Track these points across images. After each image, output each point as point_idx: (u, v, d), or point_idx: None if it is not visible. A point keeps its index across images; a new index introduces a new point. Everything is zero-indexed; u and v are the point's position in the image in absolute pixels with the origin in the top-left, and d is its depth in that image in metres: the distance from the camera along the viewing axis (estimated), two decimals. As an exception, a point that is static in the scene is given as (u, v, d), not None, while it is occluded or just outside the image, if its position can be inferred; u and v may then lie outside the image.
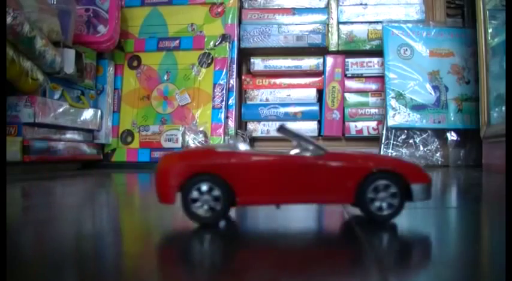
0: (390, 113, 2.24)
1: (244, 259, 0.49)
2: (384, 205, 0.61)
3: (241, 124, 2.47)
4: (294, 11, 2.45)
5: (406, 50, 2.30)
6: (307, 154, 0.61)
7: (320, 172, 0.60)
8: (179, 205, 0.61)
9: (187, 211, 0.60)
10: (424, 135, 2.29)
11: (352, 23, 2.44)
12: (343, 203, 0.63)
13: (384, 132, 2.27)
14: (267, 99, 2.45)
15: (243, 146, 0.61)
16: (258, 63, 2.45)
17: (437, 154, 2.28)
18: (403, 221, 0.63)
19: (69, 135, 2.04)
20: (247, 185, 0.60)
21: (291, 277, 0.41)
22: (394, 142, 2.27)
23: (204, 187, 0.59)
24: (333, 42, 2.44)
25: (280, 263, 0.46)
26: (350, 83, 2.45)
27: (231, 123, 2.30)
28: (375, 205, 0.61)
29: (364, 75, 2.44)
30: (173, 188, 0.60)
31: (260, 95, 2.46)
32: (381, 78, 2.37)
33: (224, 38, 2.34)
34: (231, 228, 0.63)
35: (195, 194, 0.59)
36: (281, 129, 0.61)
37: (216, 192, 0.59)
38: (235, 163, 0.60)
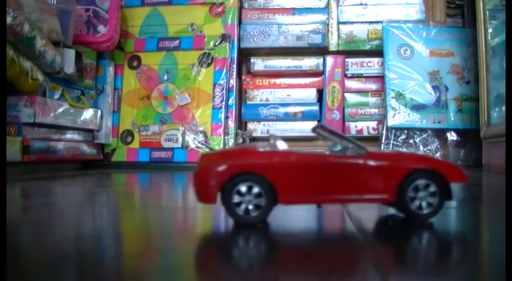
0: (390, 113, 2.24)
1: (247, 259, 0.49)
2: (424, 204, 0.61)
3: (241, 124, 2.47)
4: (294, 11, 2.45)
5: (406, 50, 2.30)
6: (348, 153, 0.61)
7: (361, 172, 0.61)
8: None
9: (230, 210, 0.60)
10: (424, 135, 2.29)
11: (352, 23, 2.44)
12: (384, 202, 0.63)
13: (384, 132, 2.27)
14: (267, 99, 2.45)
15: (282, 145, 0.62)
16: (258, 63, 2.45)
17: (437, 154, 2.28)
18: (403, 221, 0.63)
19: (69, 135, 2.04)
20: (289, 185, 0.60)
21: (291, 277, 0.41)
22: (394, 142, 2.27)
23: (247, 187, 0.60)
24: (333, 42, 2.44)
25: (279, 263, 0.46)
26: (350, 83, 2.44)
27: (231, 123, 2.30)
28: (415, 203, 0.61)
29: (364, 75, 2.44)
30: (215, 187, 0.60)
31: (260, 95, 2.46)
32: (381, 78, 2.37)
33: (224, 38, 2.34)
34: (263, 228, 0.63)
35: (238, 193, 0.60)
36: (319, 128, 0.62)
37: (260, 191, 0.60)
38: (278, 162, 0.60)
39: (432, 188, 0.61)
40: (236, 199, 0.60)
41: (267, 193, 0.60)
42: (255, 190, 0.60)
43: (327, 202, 0.63)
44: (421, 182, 0.61)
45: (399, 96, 2.25)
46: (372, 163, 0.61)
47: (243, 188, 0.60)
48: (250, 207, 0.60)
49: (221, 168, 0.60)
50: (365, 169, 0.61)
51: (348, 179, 0.60)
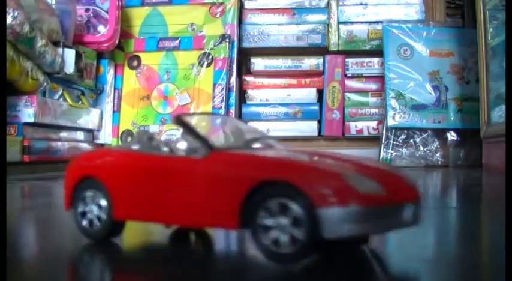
0: (390, 113, 2.24)
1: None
2: (284, 238, 0.40)
3: (241, 124, 2.47)
4: (294, 11, 2.45)
5: (406, 50, 2.30)
6: (185, 154, 0.45)
7: (193, 182, 0.44)
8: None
9: (75, 220, 0.53)
10: (424, 135, 2.29)
11: (352, 23, 2.44)
12: (227, 229, 0.47)
13: (384, 132, 2.27)
14: (267, 99, 2.45)
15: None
16: (258, 63, 2.45)
17: (437, 154, 2.28)
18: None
19: (69, 135, 2.04)
20: (123, 194, 0.48)
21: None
22: (394, 142, 2.27)
23: (89, 193, 0.51)
24: (333, 42, 2.44)
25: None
26: (350, 83, 2.44)
27: (231, 123, 2.30)
28: (271, 235, 0.41)
29: (364, 75, 2.43)
30: (68, 191, 0.54)
31: (260, 95, 2.46)
32: (380, 78, 2.37)
33: (224, 38, 2.34)
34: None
35: (83, 200, 0.52)
36: (179, 119, 0.48)
37: (100, 200, 0.50)
38: (111, 165, 0.50)
39: (295, 212, 0.39)
40: (81, 207, 0.51)
41: (107, 202, 0.49)
42: (97, 198, 0.50)
43: (162, 221, 0.48)
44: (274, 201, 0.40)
45: (399, 96, 2.25)
46: (208, 169, 0.43)
47: (87, 195, 0.51)
48: (94, 218, 0.50)
49: (71, 170, 0.53)
50: (198, 179, 0.43)
51: (174, 192, 0.45)
